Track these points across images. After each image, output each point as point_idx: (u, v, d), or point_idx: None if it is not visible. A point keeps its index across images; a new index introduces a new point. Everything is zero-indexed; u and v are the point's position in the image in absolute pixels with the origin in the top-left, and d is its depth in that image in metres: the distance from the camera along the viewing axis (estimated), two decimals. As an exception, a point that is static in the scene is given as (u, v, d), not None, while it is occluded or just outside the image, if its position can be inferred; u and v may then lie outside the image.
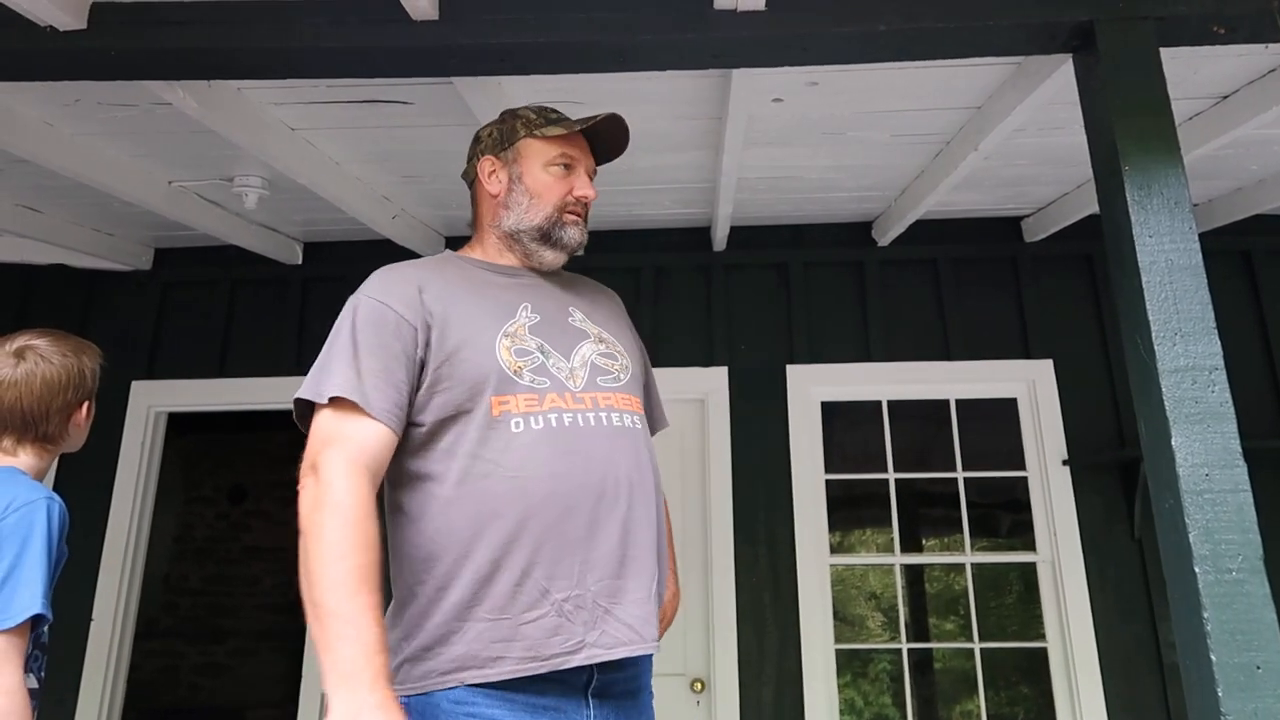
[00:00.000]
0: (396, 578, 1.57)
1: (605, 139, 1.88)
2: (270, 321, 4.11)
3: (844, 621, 3.74)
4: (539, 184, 1.80)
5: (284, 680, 6.63)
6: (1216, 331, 1.51)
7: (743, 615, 3.60)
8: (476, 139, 1.89)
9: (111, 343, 4.08)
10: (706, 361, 3.92)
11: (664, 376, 3.90)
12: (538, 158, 1.80)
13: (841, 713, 3.57)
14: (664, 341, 3.95)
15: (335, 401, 1.52)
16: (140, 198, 3.07)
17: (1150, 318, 1.50)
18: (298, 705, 3.66)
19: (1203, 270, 1.54)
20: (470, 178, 1.90)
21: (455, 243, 4.18)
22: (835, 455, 3.85)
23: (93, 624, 3.70)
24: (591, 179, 1.88)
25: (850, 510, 3.88)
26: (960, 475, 3.80)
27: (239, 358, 4.07)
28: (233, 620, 7.12)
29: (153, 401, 3.99)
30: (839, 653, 3.62)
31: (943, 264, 3.99)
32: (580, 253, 1.97)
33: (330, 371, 1.57)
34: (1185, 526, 1.40)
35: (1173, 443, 1.44)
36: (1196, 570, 1.38)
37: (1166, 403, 1.46)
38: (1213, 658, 1.34)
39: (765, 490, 3.74)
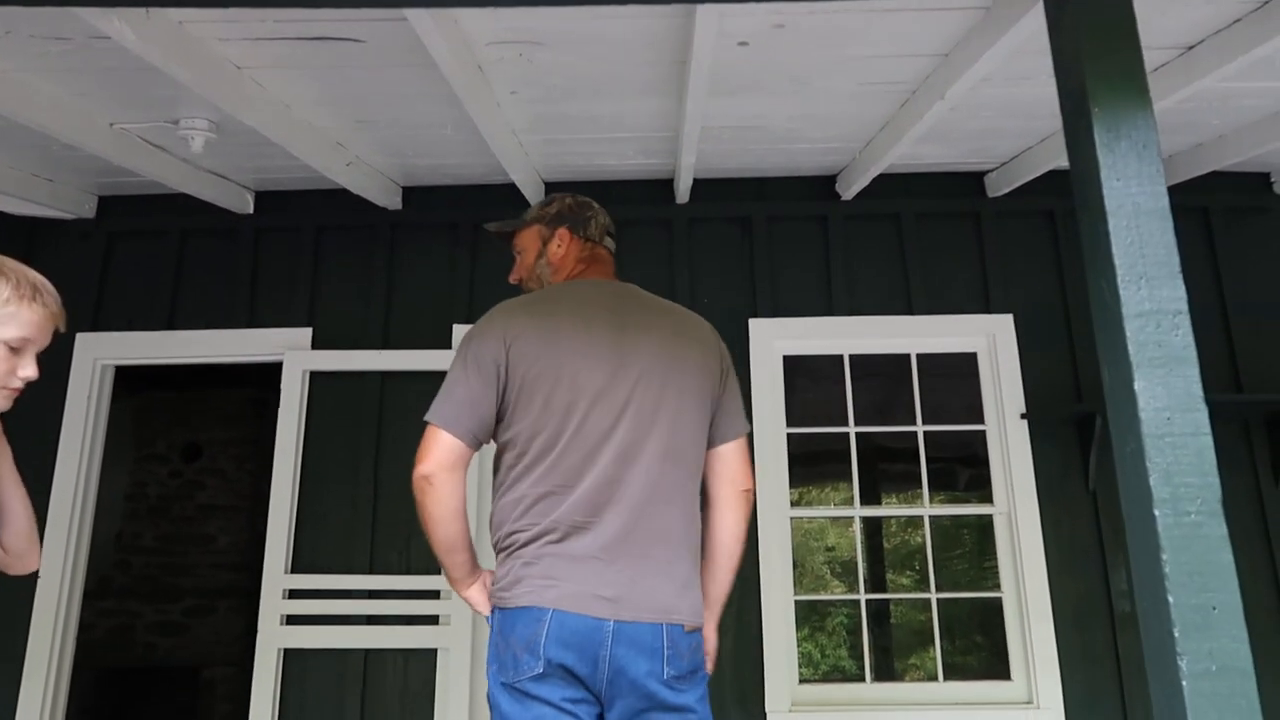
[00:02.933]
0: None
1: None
2: (221, 273, 3.99)
3: (804, 574, 3.77)
4: None
5: (242, 638, 6.57)
6: (1181, 276, 1.50)
7: (703, 568, 3.60)
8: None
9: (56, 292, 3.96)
10: (668, 315, 3.88)
11: (626, 330, 3.87)
12: None
13: (800, 666, 3.60)
14: (626, 295, 3.90)
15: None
16: (80, 140, 2.94)
17: (1116, 262, 1.49)
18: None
19: (1169, 214, 1.52)
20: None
21: (414, 193, 4.13)
22: (797, 409, 3.84)
23: (39, 582, 3.61)
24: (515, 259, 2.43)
25: (811, 464, 3.89)
26: (920, 429, 3.82)
27: (189, 310, 3.95)
28: (189, 579, 7.03)
29: (99, 354, 3.87)
30: (798, 605, 3.64)
31: (906, 218, 3.97)
32: None
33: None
34: (1146, 470, 1.39)
35: (1135, 386, 1.43)
36: (1156, 513, 1.38)
37: (1130, 347, 1.44)
38: (1170, 599, 1.35)
39: (727, 444, 3.72)
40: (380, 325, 3.89)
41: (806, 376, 3.91)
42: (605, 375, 2.00)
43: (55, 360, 3.80)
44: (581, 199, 2.39)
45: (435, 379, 3.83)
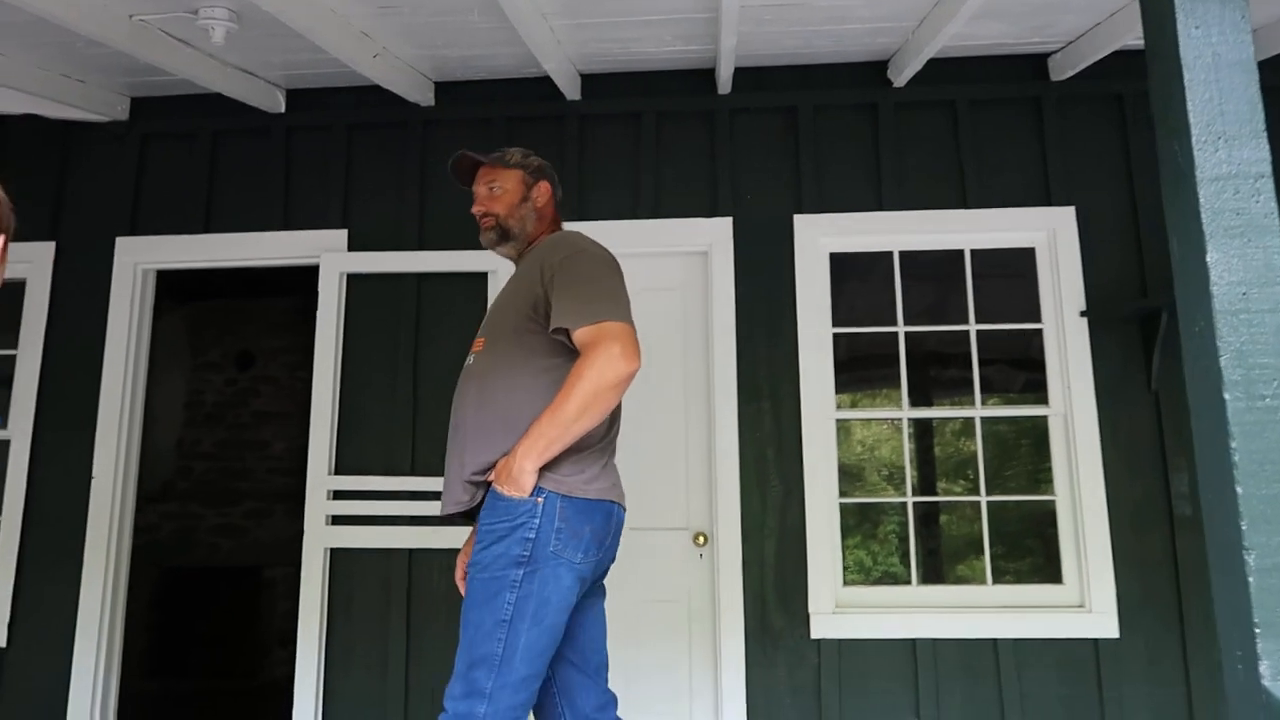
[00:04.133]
0: None
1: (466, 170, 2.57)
2: (255, 174, 3.93)
3: (849, 478, 3.69)
4: None
5: (298, 540, 6.75)
6: (1265, 136, 1.34)
7: (746, 470, 3.55)
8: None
9: (92, 198, 3.96)
10: (710, 211, 3.74)
11: (664, 228, 3.76)
12: None
13: (846, 569, 3.55)
14: (665, 191, 3.77)
15: None
16: (102, 33, 2.86)
17: (1191, 119, 1.33)
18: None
19: (1254, 66, 1.36)
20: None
21: (446, 89, 4.01)
22: (843, 309, 3.71)
23: (93, 482, 3.69)
24: (477, 198, 2.52)
25: (858, 366, 3.77)
26: (973, 328, 3.67)
27: (224, 213, 3.92)
28: (246, 483, 7.20)
29: (139, 259, 3.87)
30: (844, 509, 3.57)
31: (961, 105, 3.74)
32: (501, 251, 2.55)
33: None
34: (1216, 350, 1.27)
35: (1208, 258, 1.29)
36: (1226, 397, 1.25)
37: (1204, 214, 1.30)
38: (1238, 490, 1.23)
39: (770, 345, 3.63)
40: (415, 226, 3.82)
41: (854, 271, 3.76)
42: None
43: (96, 266, 3.82)
44: (532, 153, 2.56)
45: (472, 280, 3.81)
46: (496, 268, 3.70)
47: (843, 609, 3.45)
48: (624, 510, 2.21)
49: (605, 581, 2.38)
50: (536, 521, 2.02)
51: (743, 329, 3.64)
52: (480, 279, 3.73)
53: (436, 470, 3.64)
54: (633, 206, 3.77)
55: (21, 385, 3.80)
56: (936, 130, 3.76)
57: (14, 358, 3.83)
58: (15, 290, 3.89)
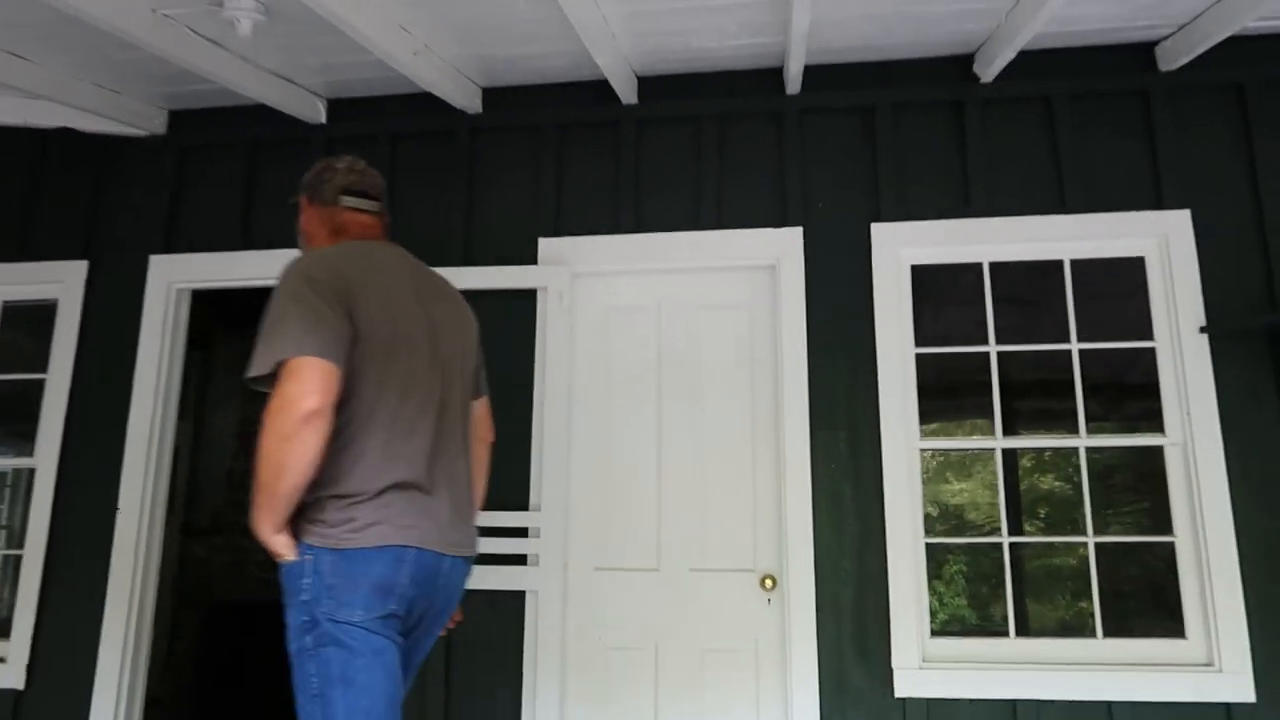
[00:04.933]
0: None
1: None
2: (292, 187, 3.70)
3: (936, 516, 3.30)
4: None
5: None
6: None
7: (819, 506, 3.19)
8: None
9: (127, 214, 3.79)
10: (779, 221, 3.42)
11: (729, 240, 3.43)
12: None
13: (934, 618, 3.16)
14: (729, 200, 3.47)
15: None
16: (123, 27, 2.67)
17: None
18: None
19: None
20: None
21: (495, 95, 3.77)
22: (927, 327, 3.35)
23: (119, 514, 3.47)
24: None
25: (944, 390, 3.39)
26: (1075, 348, 3.27)
27: (262, 228, 3.72)
28: (296, 516, 7.01)
29: (173, 278, 3.68)
30: (930, 548, 3.19)
31: (1058, 101, 3.38)
32: None
33: None
34: None
35: None
36: None
37: None
38: None
39: (846, 367, 3.28)
40: (461, 240, 3.57)
41: (939, 285, 3.40)
42: (424, 335, 2.09)
43: (129, 286, 3.64)
44: (330, 160, 2.33)
45: (520, 298, 3.53)
46: (547, 284, 3.42)
47: (931, 663, 3.05)
48: (430, 551, 1.97)
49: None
50: (308, 582, 1.86)
51: (815, 350, 3.30)
52: (529, 296, 3.45)
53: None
54: (694, 217, 3.47)
55: (49, 410, 3.61)
56: (1030, 129, 3.39)
57: (43, 382, 3.66)
58: (46, 311, 3.72)
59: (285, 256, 3.61)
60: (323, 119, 3.72)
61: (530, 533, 3.28)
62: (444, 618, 2.13)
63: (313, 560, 1.87)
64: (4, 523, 3.86)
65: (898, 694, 3.01)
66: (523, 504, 3.32)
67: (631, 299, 3.50)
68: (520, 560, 3.28)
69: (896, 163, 3.41)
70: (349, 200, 2.24)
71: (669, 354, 3.44)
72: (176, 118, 3.83)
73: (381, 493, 1.92)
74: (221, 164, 3.79)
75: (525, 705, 3.17)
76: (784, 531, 3.20)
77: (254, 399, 7.35)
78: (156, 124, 3.77)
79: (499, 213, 3.58)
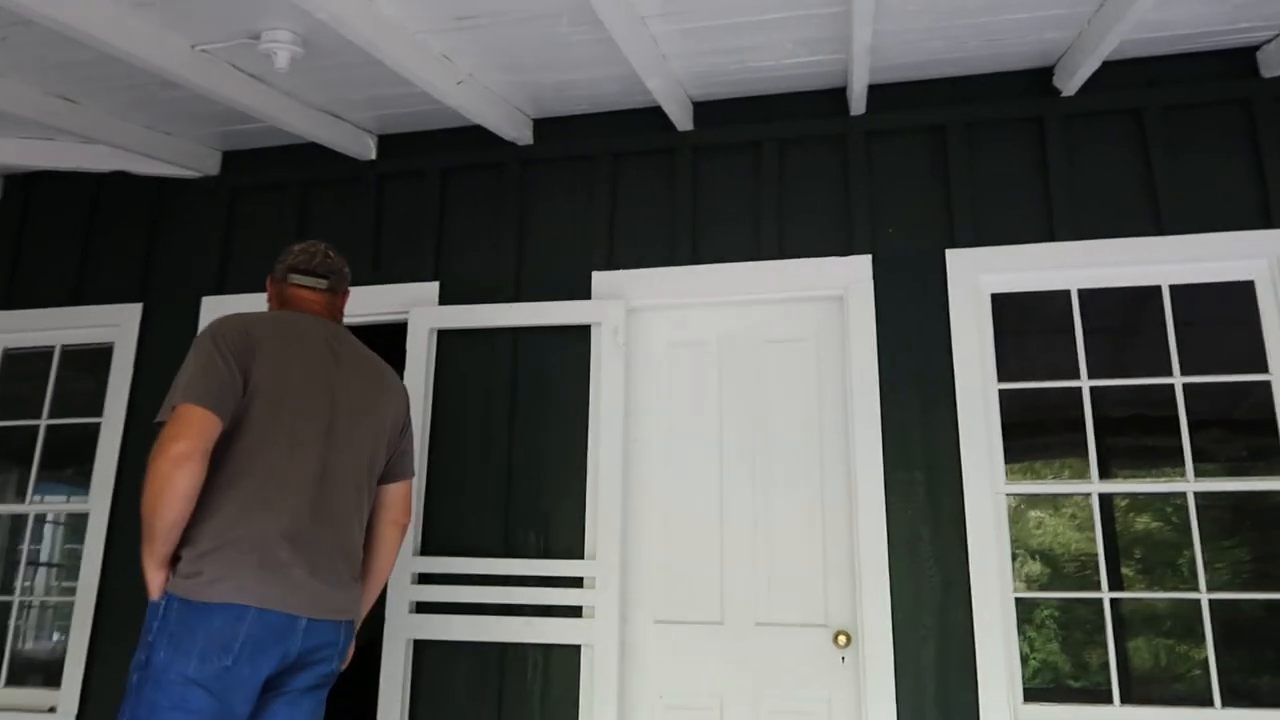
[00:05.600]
0: None
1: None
2: (344, 225, 3.65)
3: (1026, 567, 3.02)
4: None
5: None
6: None
7: (896, 556, 2.94)
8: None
9: (181, 256, 3.76)
10: (845, 249, 3.21)
11: (792, 270, 3.22)
12: None
13: (1027, 680, 2.87)
14: (792, 228, 3.27)
15: None
16: (164, 65, 2.62)
17: None
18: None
19: None
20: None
21: (546, 126, 3.64)
22: (1011, 361, 3.09)
23: (168, 560, 3.39)
24: None
25: (1031, 429, 3.12)
26: (1178, 381, 2.98)
27: (312, 268, 3.64)
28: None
29: (225, 319, 3.62)
30: (1019, 603, 2.91)
31: (1150, 114, 3.11)
32: None
33: None
34: None
35: None
36: None
37: None
38: None
39: (922, 404, 3.04)
40: (512, 276, 3.44)
41: (1022, 315, 3.15)
42: (321, 404, 2.18)
43: (183, 328, 3.60)
44: (294, 244, 2.52)
45: (574, 334, 3.38)
46: (601, 320, 3.26)
47: (1024, 732, 2.77)
48: (275, 612, 1.98)
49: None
50: (156, 624, 1.95)
51: (888, 386, 3.07)
52: (583, 332, 3.30)
53: (531, 551, 3.18)
54: (754, 247, 3.28)
55: (104, 455, 3.57)
56: (1119, 144, 3.13)
57: (98, 425, 3.62)
58: (103, 355, 3.70)
59: (335, 296, 3.53)
60: (372, 155, 3.64)
61: (585, 583, 3.10)
62: (321, 672, 2.13)
63: (164, 604, 1.96)
64: (56, 563, 3.83)
65: (987, 765, 2.74)
66: (578, 552, 3.14)
67: (690, 333, 3.32)
68: (576, 612, 3.09)
69: (972, 185, 3.18)
70: (295, 278, 2.41)
71: (731, 391, 3.25)
72: (229, 159, 3.81)
73: (225, 546, 1.99)
74: (273, 204, 3.74)
75: (582, 766, 2.97)
76: (858, 582, 2.96)
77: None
78: (209, 165, 3.75)
79: (551, 246, 3.45)
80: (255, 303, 3.59)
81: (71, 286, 3.81)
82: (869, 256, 3.18)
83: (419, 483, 3.29)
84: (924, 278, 3.14)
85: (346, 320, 3.50)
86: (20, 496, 3.78)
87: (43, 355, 3.81)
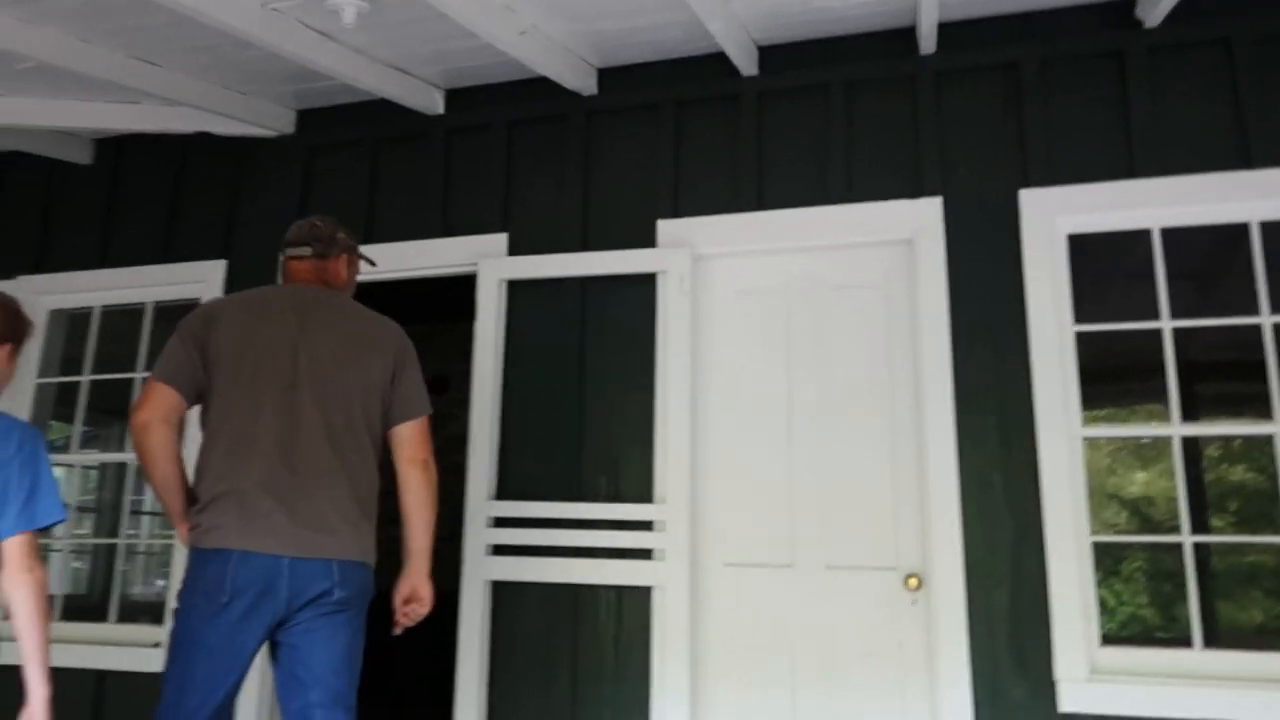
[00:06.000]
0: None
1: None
2: (414, 180, 3.73)
3: (1102, 511, 2.97)
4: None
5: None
6: None
7: (968, 500, 2.92)
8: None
9: (261, 214, 3.88)
10: (914, 192, 3.16)
11: (859, 214, 3.17)
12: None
13: (1103, 625, 2.84)
14: (859, 172, 3.23)
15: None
16: (235, 24, 2.69)
17: None
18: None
19: None
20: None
21: (610, 75, 3.64)
22: (1088, 302, 3.02)
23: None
24: None
25: (1109, 372, 3.06)
26: (1266, 321, 2.87)
27: (385, 222, 3.73)
28: (444, 506, 7.08)
29: (304, 274, 3.73)
30: (1096, 547, 2.87)
31: (1239, 44, 2.97)
32: None
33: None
34: None
35: None
36: None
37: None
38: None
39: (994, 348, 2.99)
40: (579, 225, 3.47)
41: (1100, 256, 3.06)
42: (283, 362, 2.35)
43: (262, 283, 3.70)
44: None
45: (640, 282, 3.40)
46: (667, 268, 3.28)
47: (1100, 676, 2.74)
48: (259, 554, 2.21)
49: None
50: (184, 572, 2.28)
51: (959, 330, 3.03)
52: (649, 280, 3.32)
53: (603, 495, 3.25)
54: (821, 192, 3.25)
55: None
56: (1206, 76, 3.00)
57: (188, 379, 3.78)
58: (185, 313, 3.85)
59: (407, 250, 3.63)
60: (440, 110, 3.69)
61: (655, 526, 3.15)
62: (329, 602, 2.26)
63: (188, 554, 2.30)
64: (158, 511, 4.03)
65: (1062, 709, 2.72)
66: (647, 497, 3.19)
67: (756, 281, 3.31)
68: (646, 555, 3.15)
69: (1047, 123, 3.09)
70: (287, 250, 2.62)
71: (798, 337, 3.24)
72: (303, 117, 3.90)
73: (214, 500, 2.25)
74: (346, 161, 3.83)
75: (654, 703, 3.04)
76: (928, 526, 2.95)
77: (397, 394, 7.51)
78: (285, 124, 3.84)
79: (616, 195, 3.46)
80: (332, 258, 3.70)
81: (160, 244, 3.97)
82: (939, 199, 3.12)
83: (492, 430, 3.38)
84: (996, 219, 3.07)
85: (416, 273, 3.65)
86: (122, 447, 3.98)
87: (136, 312, 3.98)
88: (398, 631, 2.51)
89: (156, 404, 2.29)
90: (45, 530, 2.13)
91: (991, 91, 3.17)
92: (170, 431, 2.30)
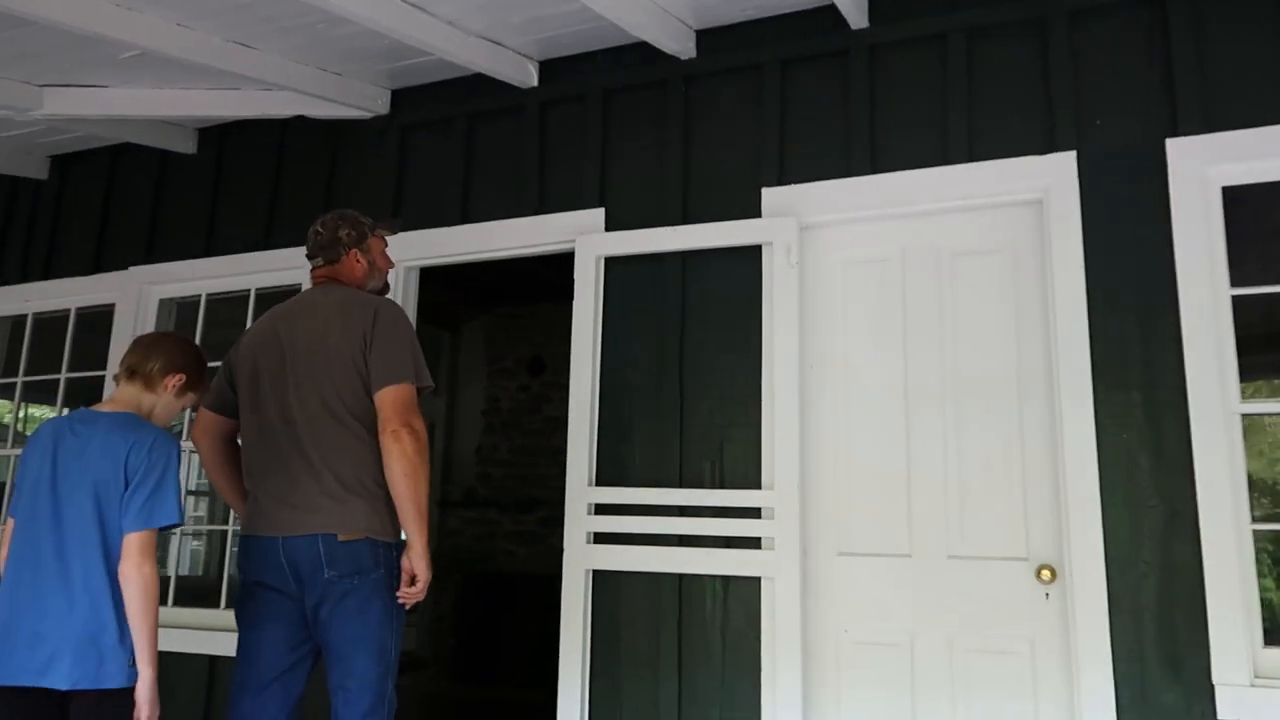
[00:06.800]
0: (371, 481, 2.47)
1: None
2: (509, 156, 3.63)
3: (1265, 495, 2.66)
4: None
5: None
6: None
7: (1109, 484, 2.65)
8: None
9: (358, 196, 3.83)
10: (1044, 147, 2.88)
11: (982, 173, 2.89)
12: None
13: (1267, 623, 2.55)
14: (982, 127, 2.97)
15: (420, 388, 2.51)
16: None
17: None
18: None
19: None
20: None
21: (709, 37, 3.42)
22: (1247, 263, 2.71)
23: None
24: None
25: (1272, 341, 2.73)
26: None
27: (480, 200, 3.65)
28: (541, 490, 7.10)
29: (402, 256, 3.65)
30: (1258, 535, 2.57)
31: None
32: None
33: (423, 365, 2.53)
34: None
35: None
36: None
37: None
38: None
39: (1138, 317, 2.71)
40: (678, 197, 3.31)
41: (1261, 210, 2.74)
42: (273, 359, 2.55)
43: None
44: None
45: (743, 255, 3.22)
46: (772, 239, 3.09)
47: (1266, 680, 2.45)
48: (258, 536, 2.48)
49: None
50: None
51: (1097, 297, 2.75)
52: (753, 253, 3.14)
53: (708, 481, 3.09)
54: (940, 151, 3.00)
55: (297, 391, 3.73)
56: (1389, 1, 2.64)
57: (291, 364, 3.78)
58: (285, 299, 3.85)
59: (502, 230, 3.54)
60: (534, 82, 3.58)
61: (764, 514, 2.99)
62: (338, 594, 2.38)
63: None
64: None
65: (1221, 716, 2.45)
66: (754, 482, 3.02)
67: (869, 250, 3.09)
68: (755, 544, 2.99)
69: (1199, 64, 2.77)
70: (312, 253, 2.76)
71: (915, 310, 3.01)
72: (397, 97, 3.84)
73: (252, 491, 2.57)
74: (440, 140, 3.76)
75: (765, 696, 2.89)
76: (1064, 514, 2.70)
77: (504, 380, 7.54)
78: (379, 104, 3.79)
79: (718, 164, 3.29)
80: (428, 238, 3.65)
81: (262, 232, 3.98)
82: (1072, 154, 2.84)
83: (592, 414, 3.27)
84: (1139, 173, 2.78)
85: (512, 252, 3.57)
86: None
87: (241, 299, 4.01)
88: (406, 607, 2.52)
89: (199, 425, 2.70)
90: (164, 531, 2.32)
91: (1133, 31, 2.86)
92: (214, 444, 2.68)
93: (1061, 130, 2.87)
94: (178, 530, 2.46)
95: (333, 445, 2.43)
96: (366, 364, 2.45)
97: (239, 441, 2.65)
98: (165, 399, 2.44)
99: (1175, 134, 2.75)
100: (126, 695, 2.17)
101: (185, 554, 5.51)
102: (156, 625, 2.22)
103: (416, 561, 2.41)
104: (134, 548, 2.19)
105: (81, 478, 2.22)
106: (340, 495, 2.40)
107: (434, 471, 6.82)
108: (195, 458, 3.78)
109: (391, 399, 2.41)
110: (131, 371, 2.41)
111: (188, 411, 3.47)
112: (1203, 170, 2.71)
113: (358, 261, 2.71)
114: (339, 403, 2.45)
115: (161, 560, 4.09)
